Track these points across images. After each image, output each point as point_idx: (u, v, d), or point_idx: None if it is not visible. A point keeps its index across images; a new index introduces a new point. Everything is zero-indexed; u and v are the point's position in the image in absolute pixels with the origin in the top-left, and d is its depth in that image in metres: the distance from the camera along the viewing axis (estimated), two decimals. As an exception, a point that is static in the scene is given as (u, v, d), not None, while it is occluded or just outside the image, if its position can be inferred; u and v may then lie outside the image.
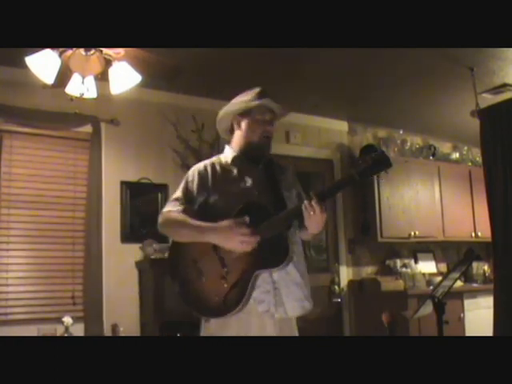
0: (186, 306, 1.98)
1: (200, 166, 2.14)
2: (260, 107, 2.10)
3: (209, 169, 2.10)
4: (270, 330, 1.93)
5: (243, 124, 2.12)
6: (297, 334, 2.06)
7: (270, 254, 1.88)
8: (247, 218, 1.88)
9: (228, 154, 2.16)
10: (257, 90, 2.14)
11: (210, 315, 1.95)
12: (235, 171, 2.09)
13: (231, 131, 2.20)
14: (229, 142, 2.21)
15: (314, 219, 1.86)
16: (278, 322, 1.96)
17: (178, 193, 2.09)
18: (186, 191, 2.07)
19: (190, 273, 1.98)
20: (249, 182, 2.06)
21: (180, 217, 1.99)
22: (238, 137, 2.16)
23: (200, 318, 2.03)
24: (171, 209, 2.04)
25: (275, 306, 1.94)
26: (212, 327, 1.96)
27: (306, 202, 1.84)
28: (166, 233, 2.12)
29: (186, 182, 2.10)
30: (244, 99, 2.14)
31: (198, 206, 2.04)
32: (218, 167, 2.11)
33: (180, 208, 2.02)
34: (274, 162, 2.19)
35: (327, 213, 1.89)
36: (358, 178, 1.83)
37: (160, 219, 2.07)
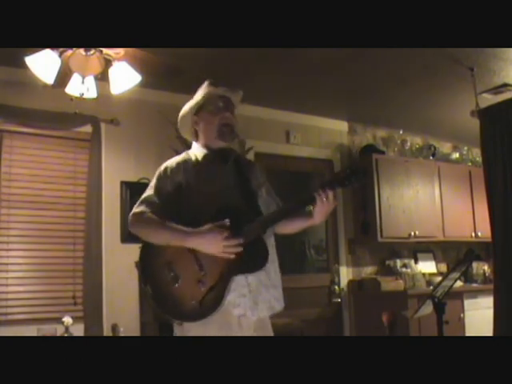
0: (159, 311, 1.91)
1: (172, 163, 2.07)
2: (209, 98, 2.08)
3: (181, 166, 2.04)
4: (247, 331, 1.91)
5: (200, 121, 2.11)
6: (272, 333, 2.03)
7: (249, 258, 1.88)
8: (227, 221, 1.87)
9: (197, 152, 2.11)
10: (204, 84, 2.13)
11: (185, 319, 1.89)
12: (206, 170, 2.04)
13: (196, 134, 2.17)
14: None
15: (327, 206, 1.89)
16: (254, 323, 1.94)
17: (150, 191, 2.02)
18: (159, 190, 2.00)
19: (164, 276, 1.90)
20: (221, 181, 2.02)
21: (157, 219, 1.93)
22: (201, 135, 2.13)
23: (171, 322, 1.96)
24: (144, 209, 1.97)
25: (251, 309, 1.91)
26: (191, 330, 1.89)
27: (319, 190, 1.86)
28: (139, 234, 2.00)
29: (158, 180, 2.03)
30: (194, 98, 2.14)
31: (172, 206, 1.97)
32: (189, 164, 2.05)
33: (154, 209, 1.95)
34: (241, 158, 2.19)
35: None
36: (336, 184, 1.91)
37: (132, 219, 1.99)
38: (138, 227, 1.99)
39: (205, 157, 2.08)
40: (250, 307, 1.91)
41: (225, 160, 2.08)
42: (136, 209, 2.00)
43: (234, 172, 2.07)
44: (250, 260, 1.88)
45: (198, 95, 2.12)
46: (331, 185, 1.88)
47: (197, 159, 2.07)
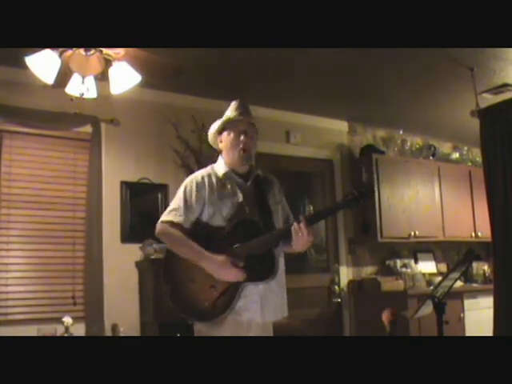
0: (175, 309, 2.12)
1: (197, 176, 2.23)
2: (230, 121, 2.23)
3: (206, 180, 2.20)
4: (254, 332, 2.07)
5: (222, 142, 2.27)
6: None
7: (258, 269, 2.05)
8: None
9: (220, 167, 2.26)
10: (234, 104, 2.28)
11: (198, 319, 2.11)
12: (228, 186, 2.20)
13: (220, 150, 2.32)
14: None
15: (301, 240, 2.02)
16: (262, 326, 2.11)
17: (177, 202, 2.18)
18: (185, 202, 2.16)
19: (183, 278, 2.14)
20: (240, 198, 2.17)
21: (180, 234, 2.11)
22: (224, 154, 2.27)
23: (188, 321, 2.16)
24: (171, 219, 2.15)
25: (261, 313, 2.09)
26: (203, 330, 2.10)
27: (295, 224, 2.00)
28: (164, 242, 2.24)
29: (185, 193, 2.19)
30: (224, 116, 2.27)
31: (195, 220, 2.17)
32: (213, 179, 2.21)
33: (180, 219, 2.14)
34: (261, 176, 2.31)
35: (313, 232, 2.05)
36: (342, 206, 2.07)
37: (160, 229, 2.19)
38: (163, 236, 2.20)
39: (225, 174, 2.22)
40: (260, 312, 2.09)
41: (244, 177, 2.24)
42: (165, 217, 2.18)
43: (253, 189, 2.23)
44: (257, 270, 2.05)
45: (226, 115, 2.26)
46: (307, 221, 2.00)
47: (218, 176, 2.23)
